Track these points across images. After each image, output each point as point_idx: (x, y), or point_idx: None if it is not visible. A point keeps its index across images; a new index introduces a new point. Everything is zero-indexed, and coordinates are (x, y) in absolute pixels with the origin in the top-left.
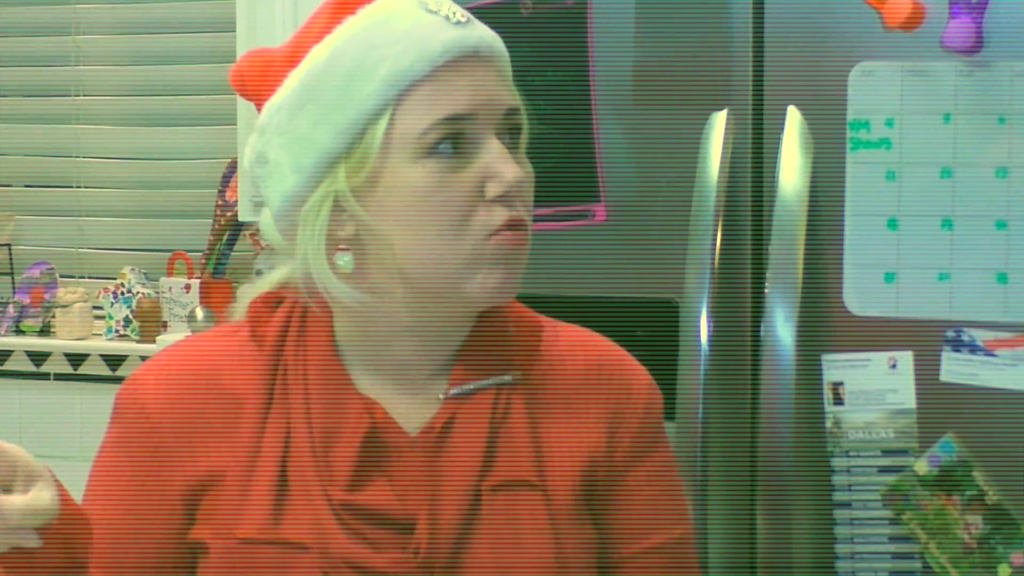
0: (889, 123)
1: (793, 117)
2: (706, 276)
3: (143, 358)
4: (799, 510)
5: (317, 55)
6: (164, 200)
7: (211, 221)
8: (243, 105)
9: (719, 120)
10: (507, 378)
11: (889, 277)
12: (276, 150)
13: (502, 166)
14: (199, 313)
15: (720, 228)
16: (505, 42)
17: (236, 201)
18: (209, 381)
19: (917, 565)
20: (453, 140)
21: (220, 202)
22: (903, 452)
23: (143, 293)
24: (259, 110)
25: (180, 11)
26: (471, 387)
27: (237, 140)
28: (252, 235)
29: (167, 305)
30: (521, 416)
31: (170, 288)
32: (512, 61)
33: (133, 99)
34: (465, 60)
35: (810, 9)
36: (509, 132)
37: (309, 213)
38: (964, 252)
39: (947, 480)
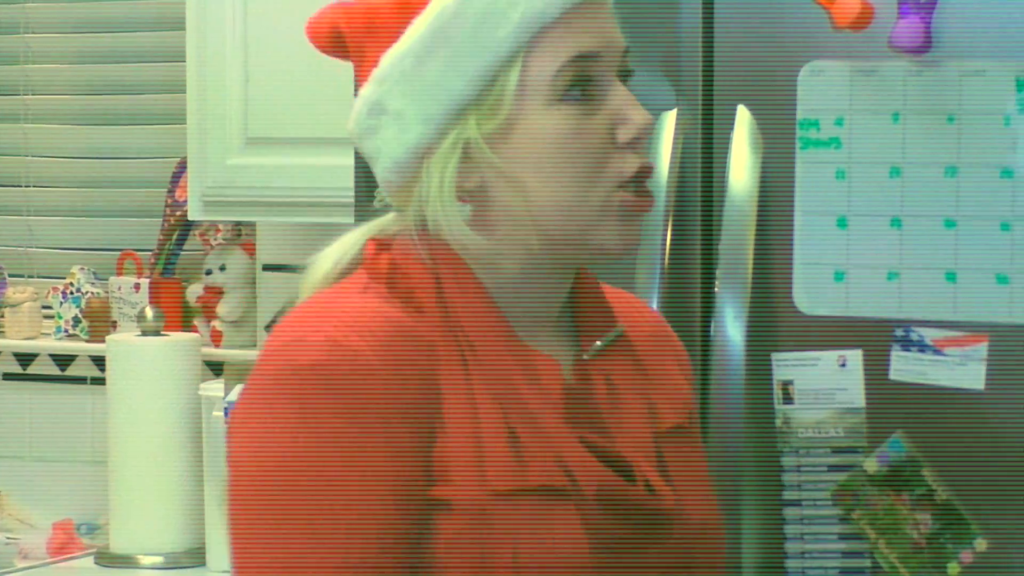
0: (839, 122)
1: (743, 116)
2: (656, 275)
3: (93, 358)
4: (749, 508)
5: (444, 0)
6: (114, 199)
7: (160, 220)
8: (193, 104)
9: (669, 119)
10: (621, 328)
11: (839, 276)
12: (399, 99)
13: (631, 110)
14: (148, 312)
15: (670, 227)
16: None
17: (186, 200)
18: (401, 331)
19: (867, 563)
20: (583, 84)
21: (170, 201)
22: (853, 450)
23: (92, 292)
24: (359, 69)
25: (129, 9)
26: (606, 340)
27: (187, 139)
28: (201, 234)
29: (116, 304)
30: (644, 364)
31: (119, 287)
32: None
33: (82, 98)
34: (588, 2)
35: (759, 9)
36: (624, 75)
37: (436, 163)
38: (913, 251)
39: (896, 478)
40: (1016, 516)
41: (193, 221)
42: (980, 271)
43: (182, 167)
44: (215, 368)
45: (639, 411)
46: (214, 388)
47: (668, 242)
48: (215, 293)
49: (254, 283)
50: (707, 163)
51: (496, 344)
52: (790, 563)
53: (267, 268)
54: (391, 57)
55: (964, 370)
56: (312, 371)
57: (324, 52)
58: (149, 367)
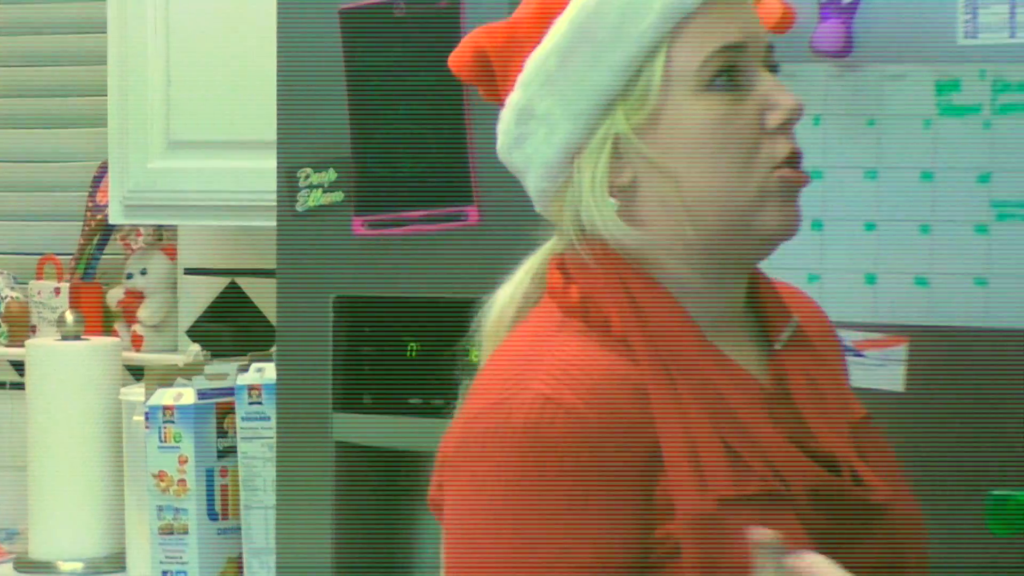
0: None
1: None
2: None
3: (12, 363)
4: None
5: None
6: (34, 203)
7: (81, 224)
8: (115, 107)
9: None
10: (797, 319)
11: None
12: (546, 100)
13: (780, 96)
14: (69, 316)
15: None
16: (378, 44)
17: (107, 204)
18: (611, 376)
19: None
20: (729, 72)
21: (91, 204)
22: None
23: (12, 296)
24: (504, 84)
25: (50, 12)
26: (788, 332)
27: (108, 142)
28: (123, 238)
29: (36, 308)
30: (821, 354)
31: (39, 291)
32: (385, 62)
33: (2, 100)
34: None
35: None
36: (771, 69)
37: (587, 160)
38: (833, 253)
39: None
40: (934, 517)
41: (114, 225)
42: (899, 273)
43: (103, 170)
44: (136, 372)
45: (834, 402)
46: (135, 392)
47: None
48: (136, 297)
49: (175, 287)
50: None
51: (697, 354)
52: None
53: (188, 272)
54: (534, 60)
55: (883, 372)
56: (527, 434)
57: (468, 80)
58: (69, 372)
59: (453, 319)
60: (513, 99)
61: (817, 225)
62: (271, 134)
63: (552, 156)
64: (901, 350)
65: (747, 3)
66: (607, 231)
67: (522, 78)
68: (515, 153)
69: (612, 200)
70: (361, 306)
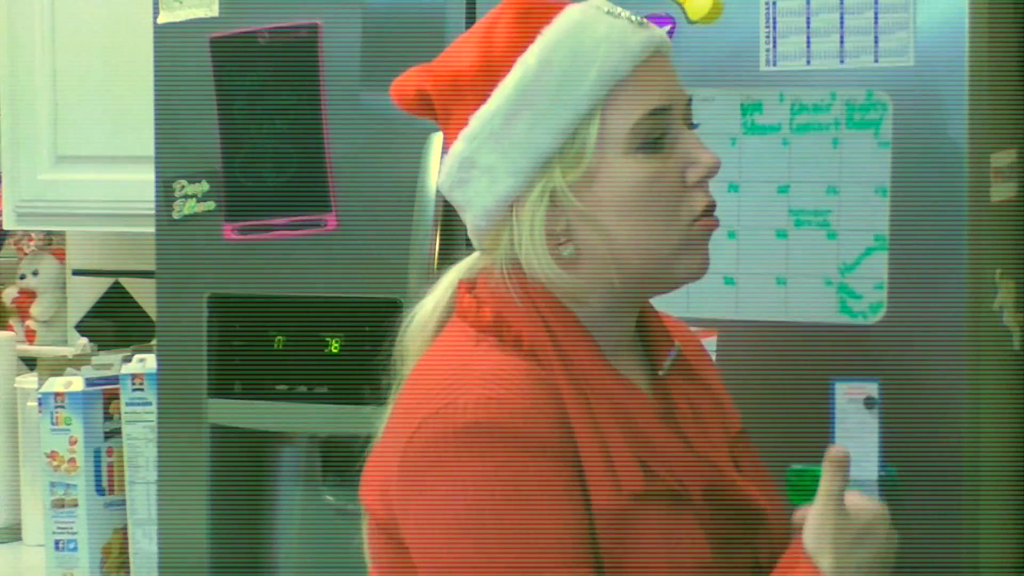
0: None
1: None
2: (426, 278)
3: None
4: None
5: (526, 63)
6: None
7: None
8: (6, 125)
9: (436, 140)
10: (679, 346)
11: None
12: (489, 154)
13: (699, 153)
14: None
15: (438, 234)
16: (243, 68)
17: (1, 212)
18: (531, 377)
19: None
20: (657, 131)
21: None
22: None
23: None
24: (446, 128)
25: None
26: (671, 360)
27: (1, 157)
28: (16, 242)
29: None
30: (701, 375)
31: None
32: (251, 85)
33: None
34: (654, 58)
35: None
36: (691, 126)
37: (526, 211)
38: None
39: None
40: None
41: (7, 230)
42: (710, 274)
43: None
44: (29, 363)
45: (713, 419)
46: (29, 381)
47: (437, 248)
48: (29, 296)
49: (64, 287)
50: None
51: (600, 372)
52: None
53: (76, 273)
54: (480, 118)
55: None
56: (476, 430)
57: (411, 112)
58: None
59: (315, 315)
60: (457, 149)
61: None
62: (149, 149)
63: (492, 203)
64: (712, 341)
65: (669, 64)
66: (543, 273)
67: (467, 132)
68: (456, 192)
69: (561, 246)
70: (232, 304)
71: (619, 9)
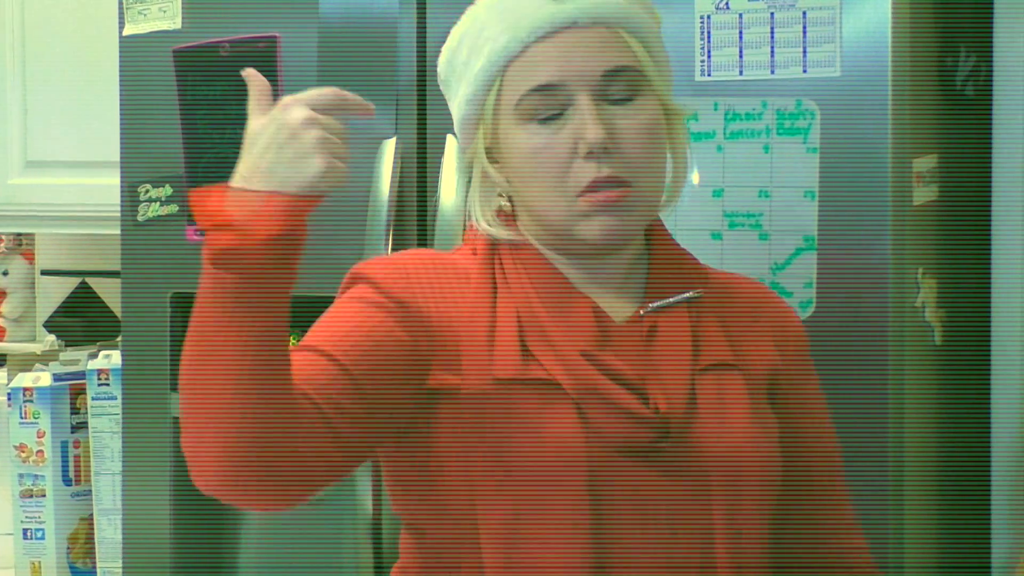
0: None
1: (451, 145)
2: None
3: None
4: None
5: (451, 37)
6: None
7: None
8: None
9: (390, 146)
10: (695, 294)
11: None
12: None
13: (586, 128)
14: None
15: (391, 238)
16: (206, 79)
17: None
18: (445, 262)
19: None
20: (547, 106)
21: None
22: None
23: None
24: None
25: None
26: (662, 303)
27: None
28: None
29: None
30: (712, 320)
31: None
32: (211, 95)
33: None
34: (560, 32)
35: None
36: (613, 91)
37: (476, 163)
38: None
39: None
40: None
41: None
42: None
43: None
44: None
45: (678, 353)
46: None
47: (390, 249)
48: None
49: (33, 286)
50: (422, 183)
51: (549, 282)
52: None
53: (44, 273)
54: (442, 83)
55: None
56: (362, 268)
57: None
58: None
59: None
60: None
61: None
62: (116, 155)
63: (462, 160)
64: None
65: (583, 39)
66: (478, 224)
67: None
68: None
69: (498, 199)
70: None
71: None
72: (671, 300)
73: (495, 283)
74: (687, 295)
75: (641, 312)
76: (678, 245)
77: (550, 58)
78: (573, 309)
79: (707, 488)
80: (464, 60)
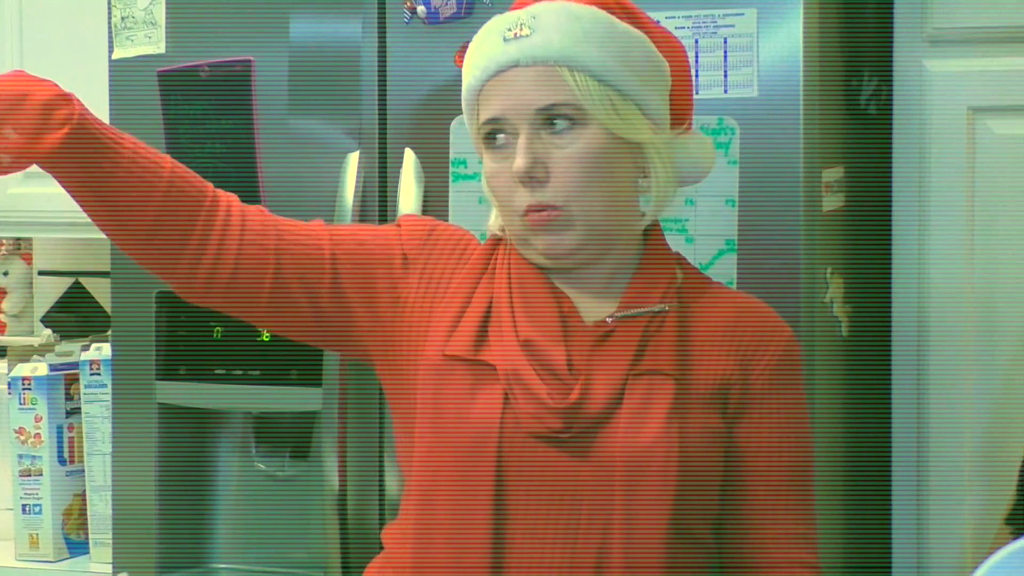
0: (480, 161)
1: (409, 157)
2: None
3: None
4: None
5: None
6: None
7: None
8: None
9: (353, 159)
10: (661, 307)
11: None
12: None
13: (516, 158)
14: None
15: None
16: (186, 99)
17: None
18: (462, 241)
19: None
20: (495, 136)
21: None
22: None
23: None
24: None
25: None
26: (632, 313)
27: None
28: None
29: None
30: (672, 332)
31: None
32: (192, 112)
33: None
34: (506, 71)
35: (422, 74)
36: (549, 124)
37: None
38: None
39: None
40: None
41: None
42: None
43: None
44: (0, 351)
45: (620, 357)
46: None
47: None
48: (0, 293)
49: (31, 285)
50: (383, 193)
51: (510, 274)
52: None
53: (41, 273)
54: None
55: None
56: (402, 217)
57: None
58: None
59: None
60: None
61: None
62: None
63: None
64: None
65: (533, 73)
66: (489, 225)
67: None
68: None
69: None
70: (177, 300)
71: (510, 22)
72: (635, 311)
73: (484, 271)
74: (653, 309)
75: (608, 319)
76: (669, 255)
77: (496, 94)
78: (541, 306)
79: (610, 484)
80: (462, 91)
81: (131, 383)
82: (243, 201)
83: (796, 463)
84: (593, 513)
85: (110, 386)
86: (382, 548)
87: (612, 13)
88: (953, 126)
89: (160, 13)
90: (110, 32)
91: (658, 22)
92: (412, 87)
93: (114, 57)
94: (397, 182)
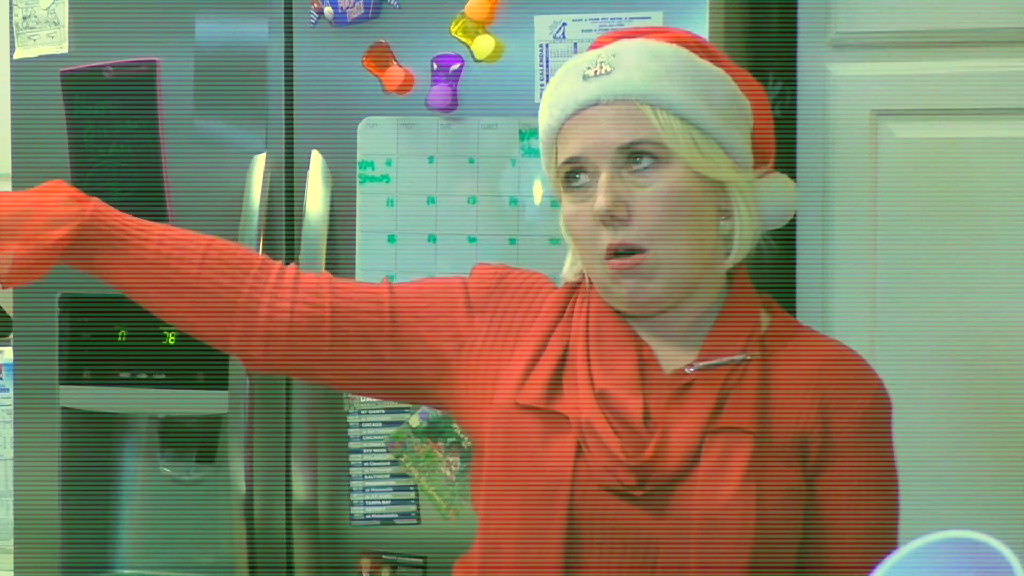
0: (388, 163)
1: (316, 159)
2: None
3: None
4: (324, 458)
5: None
6: None
7: None
8: None
9: (259, 161)
10: (742, 357)
11: (391, 277)
12: None
13: (597, 198)
14: None
15: (261, 244)
16: (89, 99)
17: None
18: (536, 284)
19: (412, 495)
20: (575, 176)
21: None
22: (400, 410)
23: None
24: None
25: None
26: (707, 364)
27: None
28: None
29: None
30: (752, 384)
31: None
32: (96, 113)
33: None
34: (585, 110)
35: (328, 75)
36: (631, 163)
37: None
38: (445, 260)
39: (433, 430)
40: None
41: None
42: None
43: None
44: None
45: (697, 412)
46: None
47: (260, 253)
48: None
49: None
50: (289, 194)
51: (588, 322)
52: (355, 496)
53: None
54: None
55: None
56: (474, 267)
57: None
58: None
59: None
60: None
61: (432, 239)
62: (7, 167)
63: None
64: None
65: (612, 111)
66: (564, 272)
67: None
68: None
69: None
70: (81, 302)
71: (590, 60)
72: (714, 362)
73: (560, 318)
74: (734, 359)
75: (687, 370)
76: (754, 300)
77: (576, 134)
78: (619, 354)
79: (685, 540)
80: (540, 133)
81: (33, 387)
82: (147, 204)
83: (881, 512)
84: (668, 563)
85: (12, 390)
86: (295, 553)
87: (693, 51)
88: (856, 129)
89: (63, 12)
90: (11, 31)
91: (737, 64)
92: (319, 89)
93: (16, 57)
94: (304, 184)
